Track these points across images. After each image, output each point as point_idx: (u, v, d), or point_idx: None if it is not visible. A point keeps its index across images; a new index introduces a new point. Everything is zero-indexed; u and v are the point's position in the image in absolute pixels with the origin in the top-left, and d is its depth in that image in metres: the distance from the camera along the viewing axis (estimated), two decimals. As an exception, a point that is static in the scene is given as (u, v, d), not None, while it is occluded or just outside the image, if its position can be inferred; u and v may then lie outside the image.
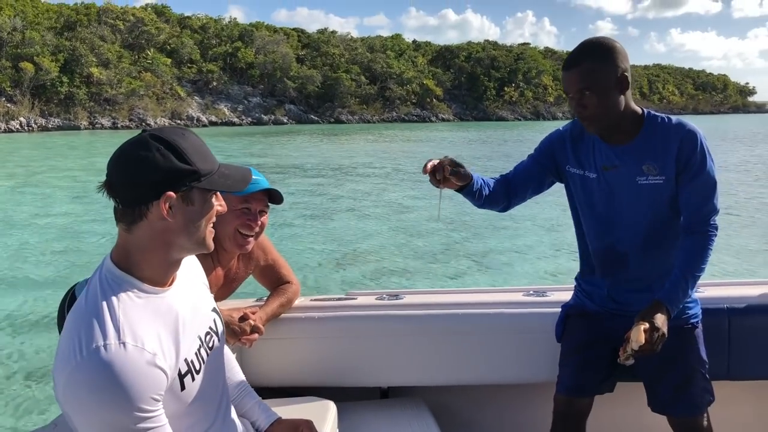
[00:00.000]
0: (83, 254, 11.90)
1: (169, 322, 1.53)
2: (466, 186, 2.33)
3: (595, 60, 2.18)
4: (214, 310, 1.76)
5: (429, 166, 2.24)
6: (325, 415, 2.44)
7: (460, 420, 2.94)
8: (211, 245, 1.59)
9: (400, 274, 10.58)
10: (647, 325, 2.12)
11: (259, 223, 2.40)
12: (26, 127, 56.65)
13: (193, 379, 1.55)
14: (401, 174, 25.33)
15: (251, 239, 2.40)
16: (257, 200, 2.39)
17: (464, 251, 12.33)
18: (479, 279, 10.30)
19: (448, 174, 2.23)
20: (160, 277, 1.55)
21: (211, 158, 1.55)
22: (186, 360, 1.54)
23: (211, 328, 1.70)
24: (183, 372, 1.52)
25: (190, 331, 1.58)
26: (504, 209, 2.55)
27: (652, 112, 2.33)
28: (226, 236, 2.34)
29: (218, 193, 1.58)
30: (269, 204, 2.46)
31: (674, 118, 2.31)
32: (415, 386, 2.87)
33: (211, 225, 1.57)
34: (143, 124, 63.16)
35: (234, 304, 2.60)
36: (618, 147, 2.31)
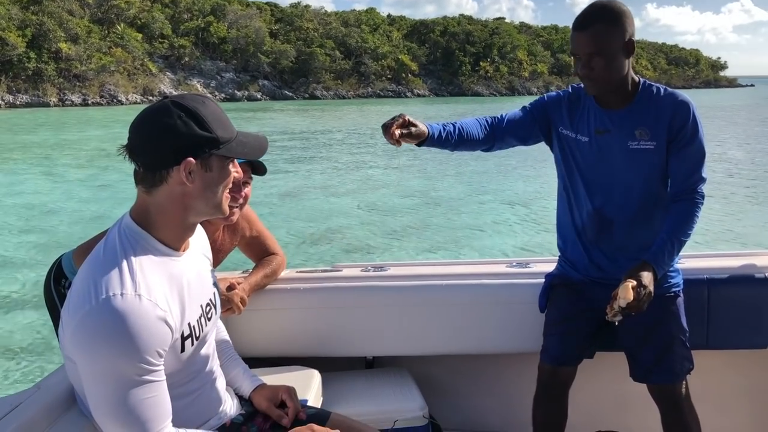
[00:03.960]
0: (52, 233, 11.74)
1: (179, 286, 1.57)
2: (424, 141, 2.31)
3: (606, 23, 2.20)
4: (214, 284, 1.80)
5: (396, 134, 2.20)
6: (310, 383, 2.47)
7: (444, 389, 2.97)
8: (227, 210, 1.65)
9: (371, 250, 10.62)
10: (635, 283, 2.14)
11: (243, 193, 2.39)
12: (-7, 104, 55.46)
13: (192, 343, 1.61)
14: (374, 149, 25.28)
15: (236, 210, 2.40)
16: (241, 171, 2.39)
17: (435, 226, 12.42)
18: (451, 254, 10.36)
19: (396, 138, 2.18)
20: (176, 240, 1.60)
21: (229, 126, 1.59)
22: (189, 324, 1.59)
23: (210, 300, 1.75)
24: (185, 335, 1.58)
25: (195, 299, 1.64)
26: (487, 150, 2.53)
27: (648, 81, 2.35)
28: None
29: (235, 160, 1.62)
30: (252, 175, 2.45)
31: (669, 88, 2.35)
32: (400, 356, 2.90)
33: (227, 191, 1.62)
34: (114, 100, 62.16)
35: (220, 275, 2.60)
36: (612, 111, 2.34)
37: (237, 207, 2.39)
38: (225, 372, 1.98)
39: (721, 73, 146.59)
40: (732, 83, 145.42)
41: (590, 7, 2.26)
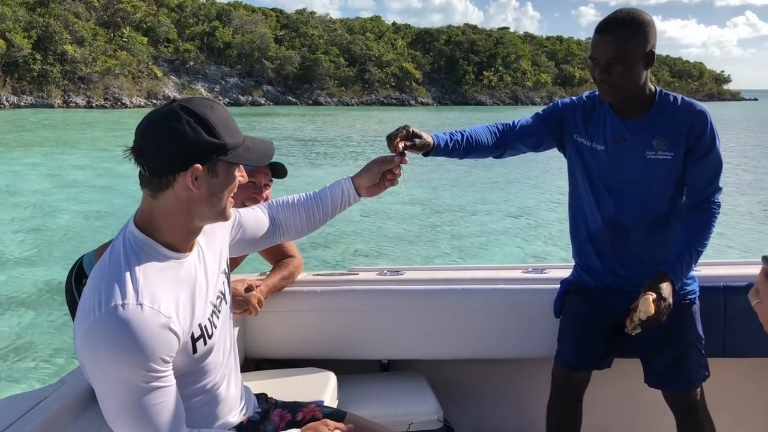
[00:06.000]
0: (56, 232, 11.78)
1: (186, 288, 1.57)
2: (430, 151, 2.28)
3: (631, 31, 2.18)
4: (223, 271, 1.79)
5: (399, 147, 2.13)
6: (326, 385, 2.48)
7: (458, 393, 2.97)
8: (230, 215, 1.64)
9: (378, 257, 10.63)
10: (654, 296, 2.14)
11: (264, 195, 2.42)
12: (-2, 105, 55.62)
13: (205, 343, 1.61)
14: (376, 155, 25.29)
15: None
16: (262, 174, 2.45)
17: (440, 235, 12.42)
18: (457, 263, 10.35)
19: (400, 150, 2.12)
20: (181, 243, 1.59)
21: (236, 131, 1.58)
22: (200, 325, 1.59)
23: (221, 291, 1.74)
24: (196, 336, 1.57)
25: (204, 298, 1.63)
26: (498, 156, 2.52)
27: (665, 91, 2.34)
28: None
29: (241, 165, 1.61)
30: (273, 178, 2.49)
31: (686, 98, 2.34)
32: (415, 360, 2.90)
33: (232, 195, 1.61)
34: (118, 103, 62.33)
35: (238, 277, 2.61)
36: (629, 121, 2.32)
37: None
38: (322, 199, 2.05)
39: (725, 87, 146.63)
40: (735, 97, 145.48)
41: (616, 12, 2.24)
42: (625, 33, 2.17)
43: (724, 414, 2.53)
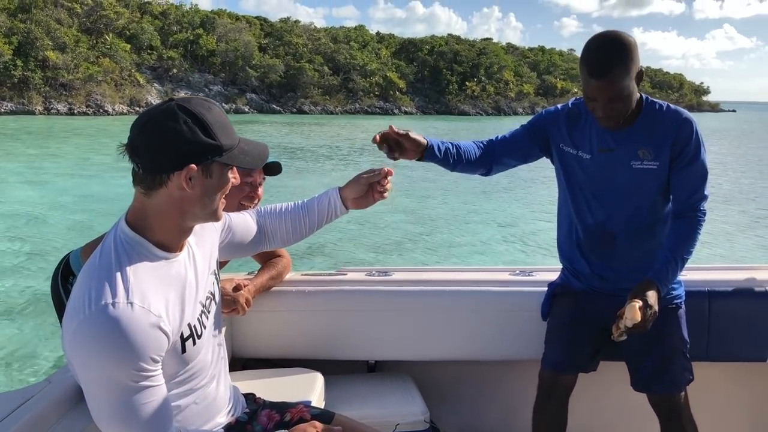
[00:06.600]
0: (40, 242, 11.65)
1: (177, 288, 1.57)
2: (424, 152, 2.28)
3: (623, 65, 2.14)
4: (213, 272, 1.79)
5: (378, 136, 2.17)
6: (313, 385, 2.48)
7: (445, 394, 2.98)
8: (222, 216, 1.64)
9: (363, 264, 10.61)
10: (641, 303, 2.14)
11: (259, 193, 2.43)
12: (-23, 111, 55.02)
13: (194, 343, 1.60)
14: (359, 163, 25.35)
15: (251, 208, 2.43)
16: (257, 172, 2.45)
17: (422, 244, 12.42)
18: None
19: (396, 135, 2.13)
20: (172, 242, 1.59)
21: (232, 133, 1.58)
22: (189, 324, 1.59)
23: (210, 292, 1.74)
24: (185, 336, 1.57)
25: (194, 297, 1.63)
26: (485, 174, 2.52)
27: (650, 98, 2.34)
28: (230, 209, 2.35)
29: (234, 167, 1.61)
30: (265, 176, 2.52)
31: (671, 105, 2.34)
32: (402, 361, 2.91)
33: (225, 196, 1.62)
34: (101, 110, 61.87)
35: (226, 275, 2.61)
36: (615, 130, 2.32)
37: (252, 207, 2.42)
38: (309, 208, 2.02)
39: (704, 98, 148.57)
40: (714, 108, 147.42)
41: (603, 49, 2.17)
42: (620, 72, 2.14)
43: (707, 416, 2.55)
